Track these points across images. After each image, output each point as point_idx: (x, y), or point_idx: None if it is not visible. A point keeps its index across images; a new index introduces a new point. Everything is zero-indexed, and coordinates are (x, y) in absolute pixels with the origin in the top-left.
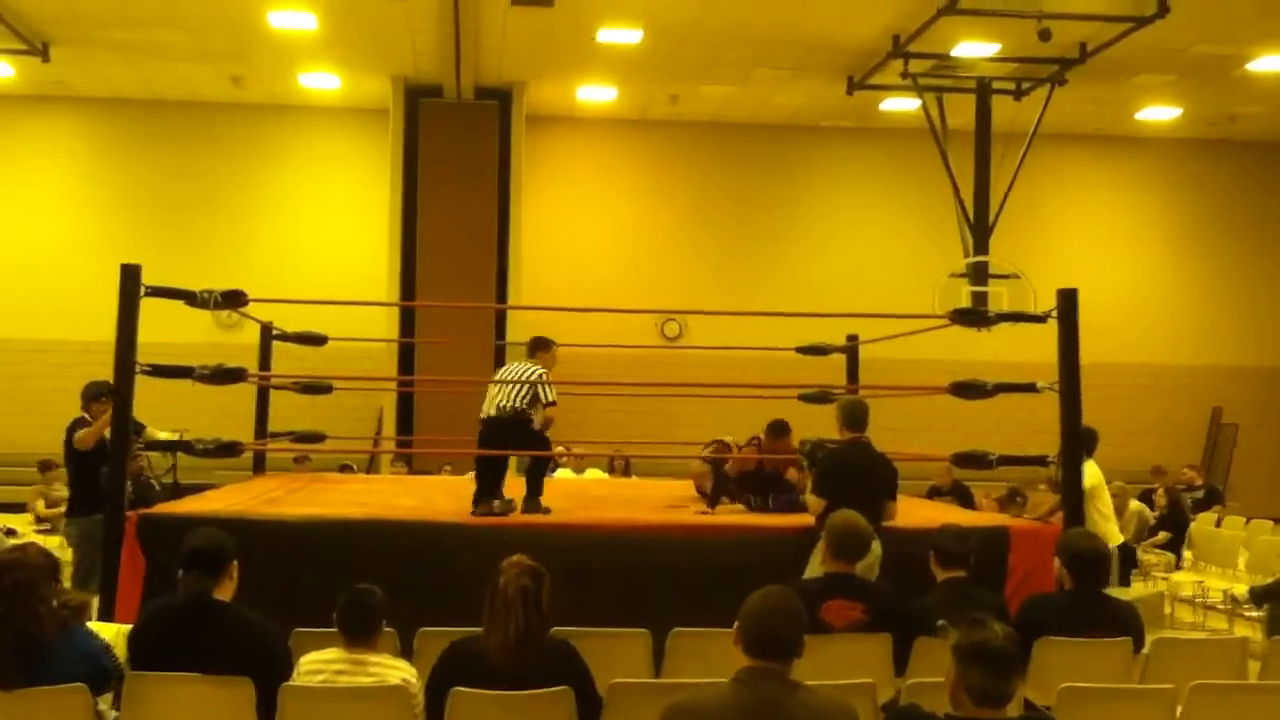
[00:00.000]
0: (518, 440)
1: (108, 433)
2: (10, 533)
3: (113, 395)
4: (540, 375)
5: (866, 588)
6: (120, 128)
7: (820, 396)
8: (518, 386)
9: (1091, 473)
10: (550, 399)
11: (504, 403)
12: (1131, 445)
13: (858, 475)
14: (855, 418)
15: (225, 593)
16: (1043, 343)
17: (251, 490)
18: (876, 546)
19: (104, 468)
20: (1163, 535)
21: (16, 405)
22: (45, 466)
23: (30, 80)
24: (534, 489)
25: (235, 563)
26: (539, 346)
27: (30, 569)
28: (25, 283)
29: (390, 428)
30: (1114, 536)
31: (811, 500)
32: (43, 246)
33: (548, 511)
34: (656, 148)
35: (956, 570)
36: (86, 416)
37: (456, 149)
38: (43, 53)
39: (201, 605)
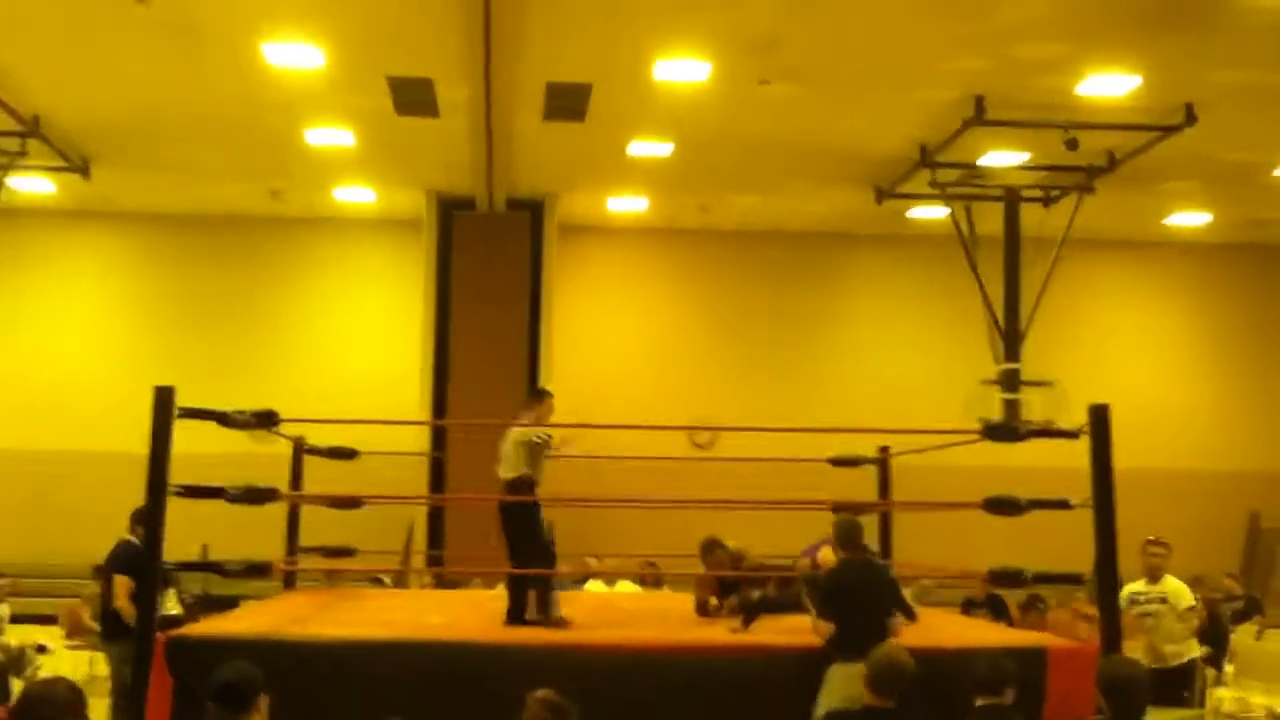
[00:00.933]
0: (514, 512)
1: None
2: (42, 649)
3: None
4: (522, 439)
5: None
6: (159, 241)
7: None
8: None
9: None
10: (541, 439)
11: (502, 474)
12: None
13: (861, 593)
14: (850, 537)
15: (262, 714)
16: (1078, 448)
17: (280, 607)
18: None
19: None
20: (1203, 650)
21: (52, 515)
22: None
23: (71, 196)
24: (543, 598)
25: (264, 696)
26: (531, 399)
27: (57, 705)
28: (66, 394)
29: (421, 539)
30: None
31: (820, 625)
32: (82, 358)
33: (566, 624)
34: (686, 255)
35: (992, 697)
36: (133, 539)
37: (489, 259)
38: (83, 169)
39: None
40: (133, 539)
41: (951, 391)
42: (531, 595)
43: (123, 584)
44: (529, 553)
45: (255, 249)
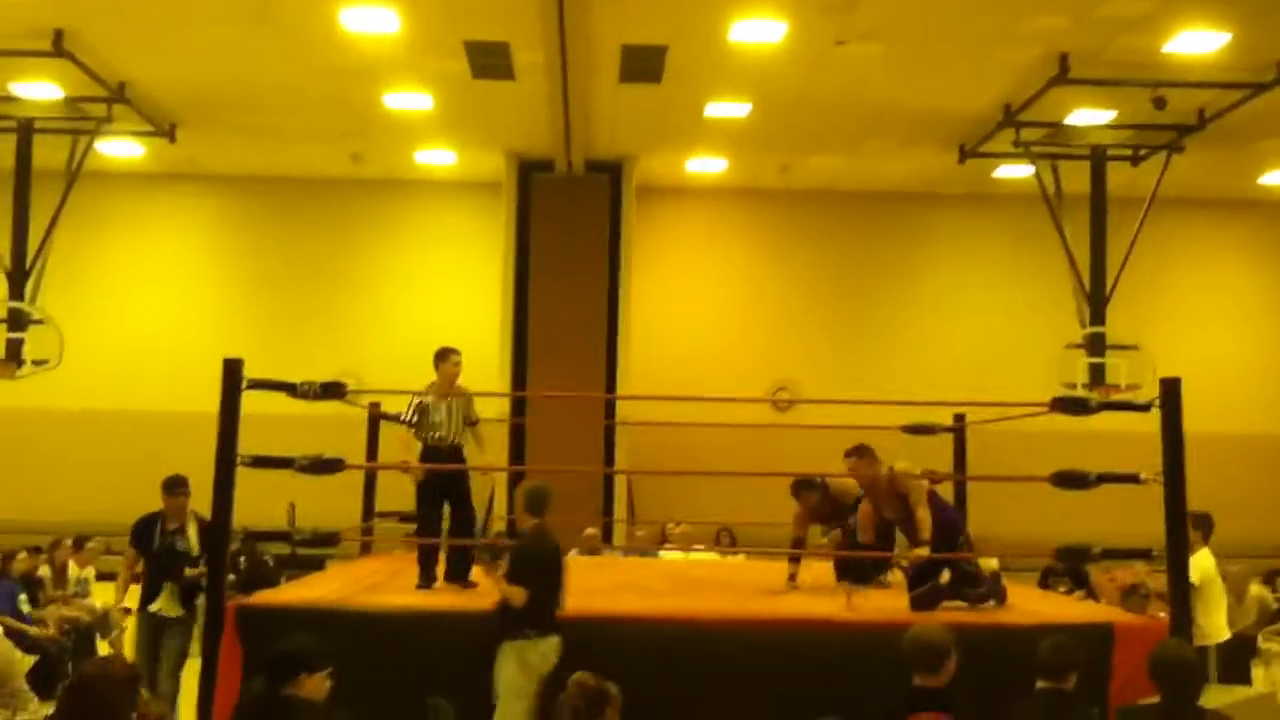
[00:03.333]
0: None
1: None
2: (127, 611)
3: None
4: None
5: (949, 699)
6: (243, 203)
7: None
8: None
9: (1202, 565)
10: (404, 419)
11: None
12: (1255, 520)
13: (556, 564)
14: (537, 504)
15: (311, 691)
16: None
17: (355, 572)
18: None
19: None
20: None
21: (141, 476)
22: None
23: (158, 159)
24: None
25: (315, 673)
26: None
27: (113, 684)
28: (153, 355)
29: (501, 505)
30: (1219, 632)
31: (513, 591)
32: (168, 319)
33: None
34: (766, 217)
35: (1053, 681)
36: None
37: (568, 221)
38: (170, 134)
39: (264, 705)
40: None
41: (1036, 353)
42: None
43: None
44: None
45: (337, 211)
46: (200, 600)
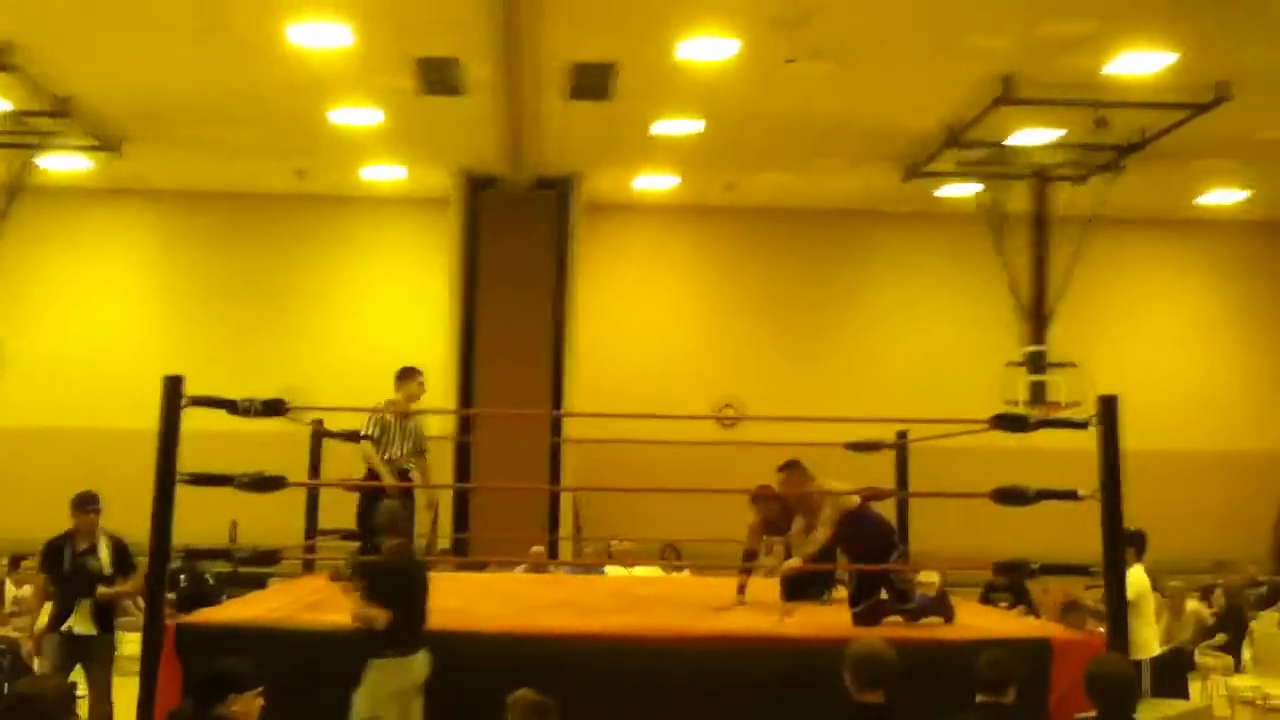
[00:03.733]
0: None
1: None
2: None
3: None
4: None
5: (891, 715)
6: (189, 219)
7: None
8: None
9: (1136, 580)
10: (365, 433)
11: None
12: (1194, 536)
13: (419, 582)
14: (395, 524)
15: (241, 711)
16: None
17: (298, 591)
18: None
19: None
20: (1220, 637)
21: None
22: None
23: (104, 174)
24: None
25: (245, 694)
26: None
27: (48, 703)
28: (96, 371)
29: (446, 522)
30: (1147, 647)
31: (373, 613)
32: (112, 334)
33: None
34: (713, 234)
35: (992, 695)
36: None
37: (516, 237)
38: (116, 148)
39: None
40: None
41: (978, 371)
42: None
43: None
44: None
45: (283, 227)
46: (119, 619)
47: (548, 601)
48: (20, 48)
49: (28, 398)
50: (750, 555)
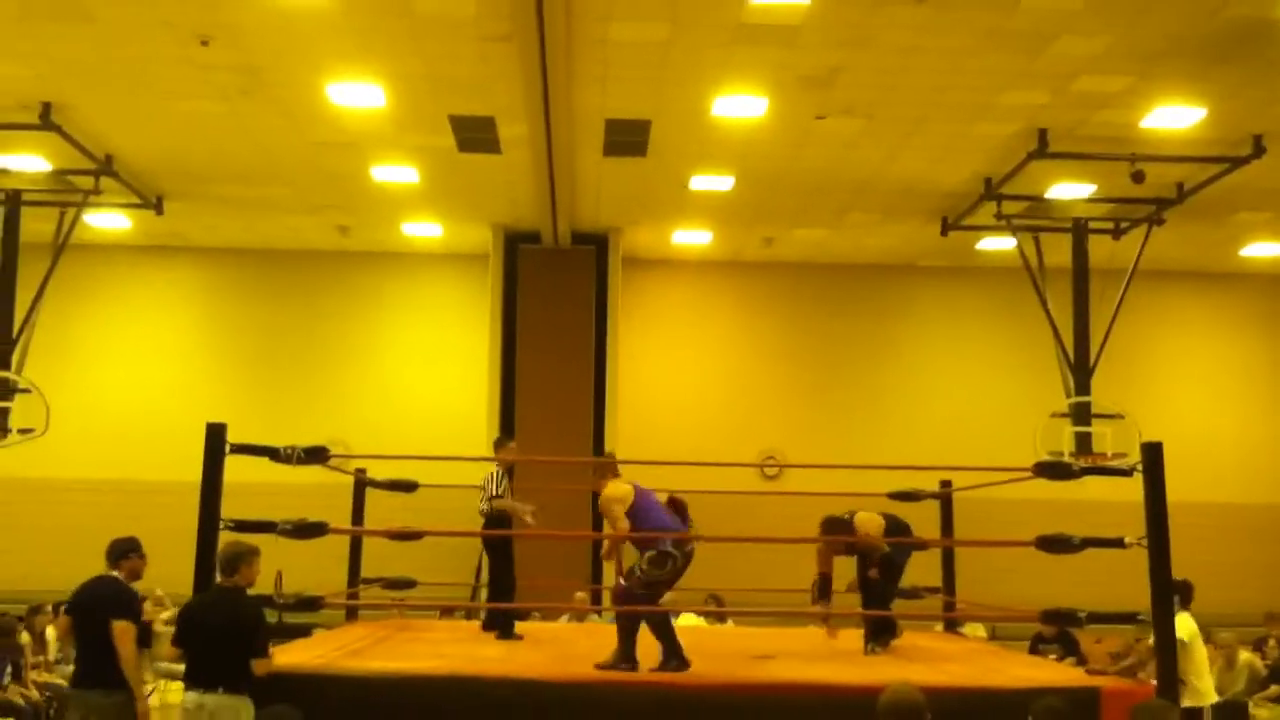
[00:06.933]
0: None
1: None
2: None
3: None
4: (488, 476)
5: None
6: (230, 275)
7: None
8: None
9: (1184, 626)
10: (494, 492)
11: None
12: (1241, 589)
13: (216, 626)
14: (233, 563)
15: None
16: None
17: (339, 639)
18: None
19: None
20: (1274, 689)
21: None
22: None
23: (145, 231)
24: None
25: None
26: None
27: None
28: (140, 425)
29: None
30: (1208, 695)
31: (170, 651)
32: (155, 390)
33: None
34: (751, 288)
35: None
36: (118, 575)
37: (555, 293)
38: (157, 206)
39: None
40: (117, 574)
41: (1021, 423)
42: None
43: (126, 630)
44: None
45: (324, 283)
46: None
47: (591, 650)
48: (62, 108)
49: (72, 451)
50: (825, 579)
